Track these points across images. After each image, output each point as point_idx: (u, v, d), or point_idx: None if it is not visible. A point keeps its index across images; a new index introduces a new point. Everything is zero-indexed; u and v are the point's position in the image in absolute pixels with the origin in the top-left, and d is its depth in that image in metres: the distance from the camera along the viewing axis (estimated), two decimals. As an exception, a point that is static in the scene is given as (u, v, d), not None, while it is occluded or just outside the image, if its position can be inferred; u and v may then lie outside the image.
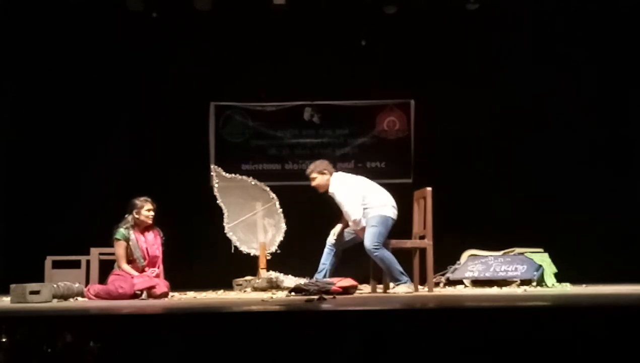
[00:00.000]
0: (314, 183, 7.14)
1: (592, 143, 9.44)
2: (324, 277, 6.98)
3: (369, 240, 6.85)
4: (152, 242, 6.92)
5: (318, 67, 9.45)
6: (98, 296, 6.68)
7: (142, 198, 6.93)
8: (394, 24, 9.37)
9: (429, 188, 7.01)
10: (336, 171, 7.20)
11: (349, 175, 7.21)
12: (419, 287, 8.12)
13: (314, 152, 9.86)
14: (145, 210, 6.89)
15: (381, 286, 7.13)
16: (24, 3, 9.20)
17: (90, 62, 9.48)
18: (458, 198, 9.18)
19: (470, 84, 9.33)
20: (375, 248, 6.82)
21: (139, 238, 6.87)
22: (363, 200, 6.94)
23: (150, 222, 6.93)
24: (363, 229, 6.91)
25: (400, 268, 6.87)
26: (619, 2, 9.19)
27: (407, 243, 7.05)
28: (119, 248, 6.85)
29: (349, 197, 6.92)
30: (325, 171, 7.09)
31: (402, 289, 6.77)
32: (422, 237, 7.04)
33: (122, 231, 6.84)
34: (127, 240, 6.84)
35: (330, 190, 7.01)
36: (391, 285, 6.95)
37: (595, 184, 9.21)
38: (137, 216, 6.86)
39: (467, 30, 9.35)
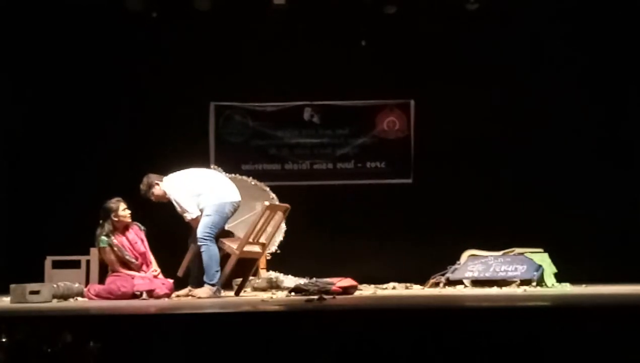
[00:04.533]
0: (154, 199, 6.96)
1: (592, 143, 9.41)
2: (191, 281, 6.87)
3: (201, 229, 6.67)
4: (134, 240, 6.94)
5: (318, 67, 9.43)
6: (99, 296, 6.69)
7: (114, 201, 6.93)
8: (394, 24, 9.36)
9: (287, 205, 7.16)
10: (164, 176, 7.00)
11: (179, 173, 7.00)
12: (417, 286, 8.14)
13: (314, 152, 9.85)
14: (122, 210, 6.91)
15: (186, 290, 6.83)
16: (23, 2, 9.18)
17: (89, 63, 9.45)
18: (458, 198, 9.19)
19: (470, 84, 9.30)
20: (205, 239, 6.64)
21: (122, 242, 6.88)
22: (197, 195, 6.78)
23: (129, 219, 6.95)
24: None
25: (219, 269, 6.68)
26: (619, 2, 9.18)
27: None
28: (109, 255, 6.87)
29: (179, 196, 6.78)
30: (154, 183, 6.90)
31: (205, 292, 6.54)
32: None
33: (103, 239, 6.86)
34: (111, 246, 6.85)
35: (167, 195, 6.88)
36: (204, 279, 6.66)
37: (596, 184, 9.19)
38: (116, 219, 6.86)
39: (467, 30, 9.34)
